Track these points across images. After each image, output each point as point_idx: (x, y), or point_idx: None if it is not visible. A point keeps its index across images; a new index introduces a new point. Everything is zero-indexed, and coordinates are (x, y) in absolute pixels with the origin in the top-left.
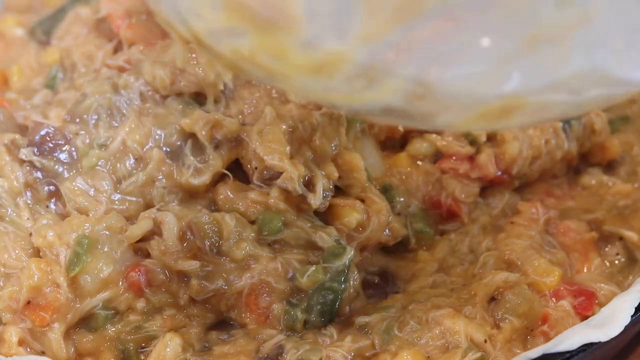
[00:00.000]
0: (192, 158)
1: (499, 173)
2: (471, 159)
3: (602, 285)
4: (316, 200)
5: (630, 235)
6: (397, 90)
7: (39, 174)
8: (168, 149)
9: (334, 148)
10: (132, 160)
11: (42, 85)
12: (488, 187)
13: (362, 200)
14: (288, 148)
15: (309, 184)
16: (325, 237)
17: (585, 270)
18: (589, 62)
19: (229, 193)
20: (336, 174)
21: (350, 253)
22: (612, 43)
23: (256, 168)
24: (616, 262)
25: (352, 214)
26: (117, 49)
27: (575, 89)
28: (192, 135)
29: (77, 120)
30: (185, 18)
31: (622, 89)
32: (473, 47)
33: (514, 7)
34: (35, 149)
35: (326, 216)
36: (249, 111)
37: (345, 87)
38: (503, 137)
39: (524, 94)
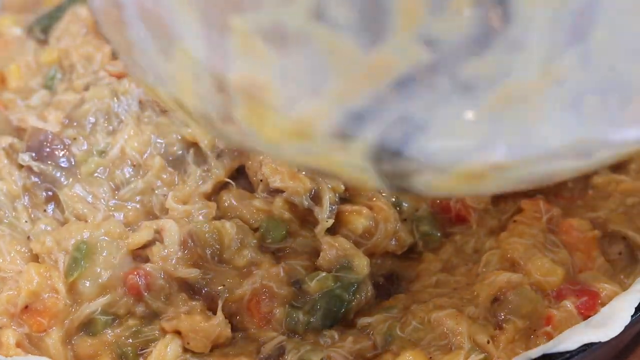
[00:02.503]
0: (194, 167)
1: None
2: None
3: (605, 285)
4: (323, 213)
5: (633, 235)
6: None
7: (37, 179)
8: (170, 157)
9: None
10: (131, 168)
11: (40, 86)
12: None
13: (370, 208)
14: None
15: (316, 197)
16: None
17: (588, 270)
18: (567, 135)
19: (233, 200)
20: (342, 187)
21: (366, 270)
22: (585, 103)
23: (261, 180)
24: (618, 261)
25: (358, 220)
26: None
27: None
28: (194, 144)
29: (75, 124)
30: (174, 94)
31: (615, 150)
32: (452, 116)
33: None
34: (34, 154)
35: (332, 224)
36: None
37: (324, 148)
38: None
39: (509, 161)
